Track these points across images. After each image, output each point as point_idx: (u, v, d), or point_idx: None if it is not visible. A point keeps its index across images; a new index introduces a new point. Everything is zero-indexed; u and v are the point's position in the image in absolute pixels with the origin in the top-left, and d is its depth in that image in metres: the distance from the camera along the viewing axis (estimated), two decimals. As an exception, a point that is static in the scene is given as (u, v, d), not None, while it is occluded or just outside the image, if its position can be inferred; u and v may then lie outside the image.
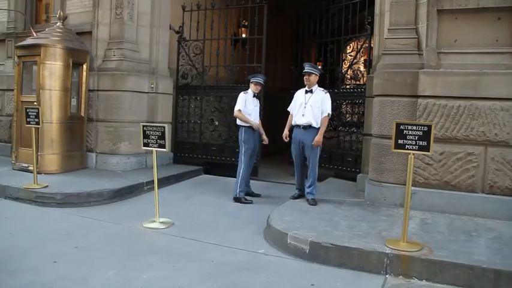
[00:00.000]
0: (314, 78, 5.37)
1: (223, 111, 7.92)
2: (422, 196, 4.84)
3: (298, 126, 5.39)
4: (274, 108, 9.53)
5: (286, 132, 5.63)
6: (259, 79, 5.93)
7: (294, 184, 5.72)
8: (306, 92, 5.40)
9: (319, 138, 5.22)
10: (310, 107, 5.30)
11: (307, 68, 5.37)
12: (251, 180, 6.15)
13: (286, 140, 5.66)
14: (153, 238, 4.30)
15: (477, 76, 4.64)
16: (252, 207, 5.53)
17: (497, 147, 4.62)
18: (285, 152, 8.42)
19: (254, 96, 5.91)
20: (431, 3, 4.84)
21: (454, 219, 4.54)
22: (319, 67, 6.00)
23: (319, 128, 5.28)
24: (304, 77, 5.41)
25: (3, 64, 8.64)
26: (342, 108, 7.03)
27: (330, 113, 5.36)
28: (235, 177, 5.81)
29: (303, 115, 5.33)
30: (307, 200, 5.26)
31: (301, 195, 5.52)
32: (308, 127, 5.29)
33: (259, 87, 5.93)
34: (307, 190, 5.33)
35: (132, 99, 7.26)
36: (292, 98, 5.68)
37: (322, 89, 5.51)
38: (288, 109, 5.68)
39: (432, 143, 3.63)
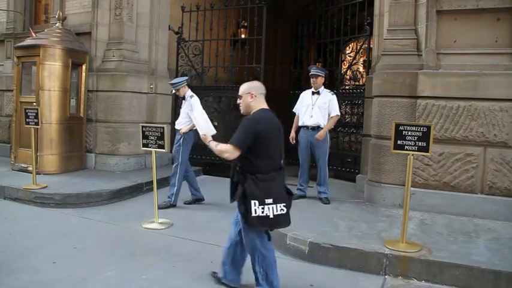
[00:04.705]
0: (321, 80, 5.40)
1: (222, 112, 7.91)
2: (421, 197, 4.84)
3: (306, 127, 5.40)
4: (273, 108, 9.54)
5: (292, 134, 5.63)
6: (172, 82, 5.57)
7: (293, 185, 5.69)
8: (313, 93, 5.42)
9: (323, 132, 5.26)
10: (318, 108, 5.33)
11: (313, 71, 5.40)
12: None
13: (292, 143, 5.66)
14: (153, 239, 4.29)
15: (476, 77, 4.64)
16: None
17: (497, 148, 4.62)
18: (283, 153, 8.42)
19: (183, 98, 5.59)
20: (430, 4, 4.85)
21: (453, 220, 4.54)
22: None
23: None
24: (311, 80, 5.42)
25: (2, 65, 8.64)
26: (341, 108, 7.02)
27: (339, 113, 5.44)
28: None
29: (311, 116, 5.35)
30: (321, 199, 5.34)
31: (301, 195, 5.52)
32: (316, 128, 5.32)
33: (179, 92, 5.51)
34: (320, 190, 5.40)
35: (132, 99, 7.25)
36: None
37: (329, 90, 5.53)
38: (294, 110, 5.69)
39: (431, 143, 3.64)
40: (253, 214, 2.72)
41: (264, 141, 2.81)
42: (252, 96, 2.95)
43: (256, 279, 2.96)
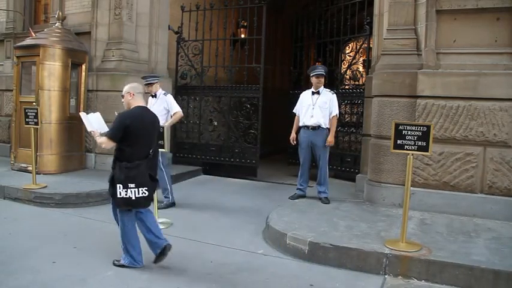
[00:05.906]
0: (324, 80, 5.41)
1: (222, 111, 7.92)
2: (421, 196, 4.84)
3: (306, 127, 5.40)
4: (273, 108, 9.55)
5: (293, 135, 5.63)
6: (145, 76, 5.65)
7: (293, 185, 5.71)
8: (313, 93, 5.42)
9: (331, 138, 5.33)
10: (318, 107, 5.33)
11: (319, 70, 5.37)
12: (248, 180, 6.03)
13: (293, 144, 5.65)
14: (152, 238, 4.28)
15: (476, 76, 4.64)
16: (251, 207, 5.53)
17: (496, 148, 4.62)
18: (283, 153, 8.43)
19: (153, 96, 5.57)
20: (430, 4, 4.84)
21: (453, 219, 4.54)
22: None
23: (327, 128, 5.35)
24: (316, 79, 5.37)
25: (2, 64, 8.63)
26: (341, 108, 7.03)
27: (338, 113, 5.46)
28: (234, 177, 5.77)
29: (311, 116, 5.34)
30: (321, 199, 5.33)
31: (301, 195, 5.53)
32: (317, 128, 5.33)
33: (151, 87, 5.51)
34: (320, 189, 5.40)
35: (131, 99, 7.23)
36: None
37: (329, 89, 5.53)
38: (294, 110, 5.68)
39: (431, 143, 3.64)
40: (118, 196, 3.28)
41: (132, 134, 3.33)
42: (131, 95, 3.54)
43: (123, 249, 3.51)
